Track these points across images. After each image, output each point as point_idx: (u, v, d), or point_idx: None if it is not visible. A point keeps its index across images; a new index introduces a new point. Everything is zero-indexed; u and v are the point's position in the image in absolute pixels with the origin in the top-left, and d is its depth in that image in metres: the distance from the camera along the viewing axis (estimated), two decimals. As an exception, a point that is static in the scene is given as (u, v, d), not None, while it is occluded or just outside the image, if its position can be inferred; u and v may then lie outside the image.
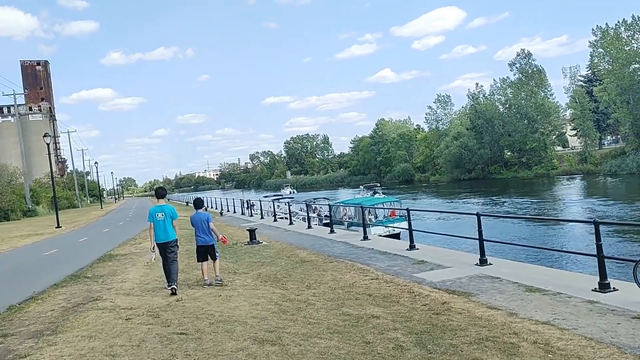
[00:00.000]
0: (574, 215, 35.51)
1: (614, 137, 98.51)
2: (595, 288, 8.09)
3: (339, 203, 36.96)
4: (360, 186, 79.88)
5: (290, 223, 25.37)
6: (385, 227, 28.51)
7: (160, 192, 10.47)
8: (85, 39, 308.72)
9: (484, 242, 11.08)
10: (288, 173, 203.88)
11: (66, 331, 6.58)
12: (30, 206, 65.04)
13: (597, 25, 74.16)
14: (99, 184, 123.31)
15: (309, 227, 22.63)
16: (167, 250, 9.63)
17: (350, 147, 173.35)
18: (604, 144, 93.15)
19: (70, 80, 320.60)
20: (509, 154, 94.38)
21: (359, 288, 9.90)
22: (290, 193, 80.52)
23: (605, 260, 8.18)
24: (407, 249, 13.88)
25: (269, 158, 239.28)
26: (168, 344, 5.94)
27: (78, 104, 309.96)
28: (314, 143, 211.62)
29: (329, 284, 10.41)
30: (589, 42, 75.78)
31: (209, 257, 10.39)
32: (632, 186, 54.18)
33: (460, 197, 61.30)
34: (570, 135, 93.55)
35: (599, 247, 8.09)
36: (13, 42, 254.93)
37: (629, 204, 36.94)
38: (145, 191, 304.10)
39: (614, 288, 7.99)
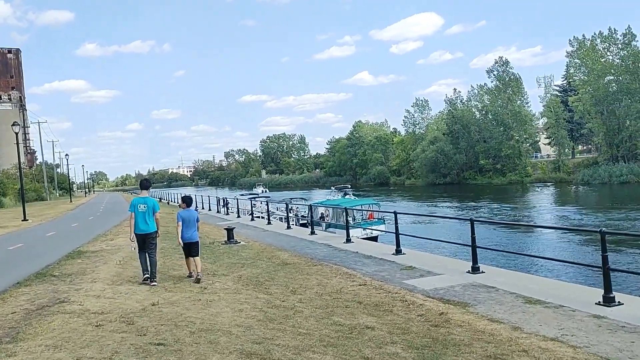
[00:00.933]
0: (550, 222, 35.64)
1: (585, 147, 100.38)
2: (600, 301, 7.68)
3: (318, 203, 36.44)
4: (332, 187, 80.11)
5: (269, 223, 24.70)
6: (364, 229, 28.11)
7: (144, 183, 10.45)
8: (59, 29, 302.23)
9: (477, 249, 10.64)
10: (263, 172, 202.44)
11: (28, 339, 5.85)
12: (-5, 197, 62.82)
13: (574, 37, 75.43)
14: (69, 177, 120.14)
15: (288, 227, 22.00)
16: (146, 241, 9.82)
17: (327, 148, 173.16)
18: (575, 154, 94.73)
19: (42, 70, 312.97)
20: (484, 160, 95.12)
21: (348, 294, 9.35)
22: (263, 192, 79.65)
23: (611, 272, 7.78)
24: (393, 254, 13.40)
25: (244, 156, 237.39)
26: (144, 356, 5.28)
27: (50, 94, 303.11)
28: (290, 143, 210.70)
29: (315, 289, 9.82)
30: (566, 52, 76.97)
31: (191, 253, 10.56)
32: (605, 195, 54.98)
33: (436, 201, 61.37)
34: (544, 144, 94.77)
35: (605, 259, 7.70)
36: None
37: (604, 213, 37.28)
38: (117, 186, 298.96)
39: (619, 302, 7.60)
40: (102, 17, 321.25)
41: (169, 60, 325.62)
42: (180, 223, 10.30)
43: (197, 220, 10.65)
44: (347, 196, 60.57)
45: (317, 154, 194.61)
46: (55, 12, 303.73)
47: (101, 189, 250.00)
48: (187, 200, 11.00)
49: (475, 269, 10.56)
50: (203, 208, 39.83)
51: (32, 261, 13.73)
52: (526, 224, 33.57)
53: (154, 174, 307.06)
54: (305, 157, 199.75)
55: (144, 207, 9.82)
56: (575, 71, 77.82)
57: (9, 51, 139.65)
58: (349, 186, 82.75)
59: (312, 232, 19.34)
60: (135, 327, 6.38)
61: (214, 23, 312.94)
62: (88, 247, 16.07)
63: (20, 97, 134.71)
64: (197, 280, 9.99)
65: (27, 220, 34.76)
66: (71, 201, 77.53)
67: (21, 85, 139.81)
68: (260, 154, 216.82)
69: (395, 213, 13.52)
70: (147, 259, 9.83)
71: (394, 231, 13.52)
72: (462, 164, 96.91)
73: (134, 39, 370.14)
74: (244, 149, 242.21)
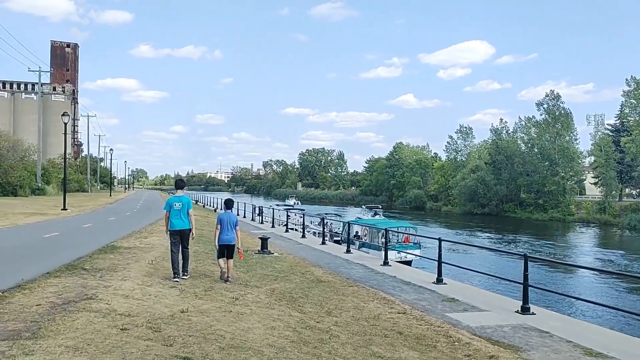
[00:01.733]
0: (595, 264, 33.96)
1: (634, 191, 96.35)
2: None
3: (354, 221, 35.79)
4: (363, 206, 79.84)
5: (303, 236, 24.20)
6: (399, 252, 27.29)
7: (179, 183, 10.97)
8: (118, 29, 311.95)
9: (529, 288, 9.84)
10: (299, 184, 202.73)
11: (49, 336, 5.46)
12: (39, 185, 64.41)
13: (631, 76, 72.80)
14: (111, 171, 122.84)
15: (323, 242, 21.44)
16: (183, 237, 10.35)
17: (365, 167, 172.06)
18: (622, 197, 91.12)
19: (97, 66, 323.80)
20: (525, 194, 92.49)
21: (386, 322, 8.72)
22: (295, 204, 79.64)
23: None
24: (433, 282, 12.68)
25: (281, 167, 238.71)
26: (169, 371, 4.81)
27: (102, 90, 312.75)
28: (329, 158, 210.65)
29: (352, 313, 9.23)
30: (622, 91, 74.38)
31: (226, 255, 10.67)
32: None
33: (474, 230, 59.80)
34: (591, 183, 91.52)
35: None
36: (47, 23, 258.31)
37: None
38: (156, 184, 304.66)
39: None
40: (159, 21, 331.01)
41: (219, 66, 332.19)
42: (219, 226, 10.57)
43: (236, 224, 10.78)
44: (376, 216, 60.24)
45: (354, 171, 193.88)
46: (116, 12, 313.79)
47: (140, 186, 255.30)
48: (228, 203, 11.31)
49: (525, 309, 9.76)
50: (238, 214, 39.71)
51: (65, 251, 13.58)
52: (580, 265, 31.34)
53: (192, 177, 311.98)
54: (343, 173, 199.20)
55: (179, 205, 10.34)
56: (631, 111, 75.10)
57: (68, 45, 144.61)
58: (380, 206, 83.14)
59: (348, 251, 18.74)
60: (162, 336, 5.92)
61: (267, 34, 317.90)
62: (122, 242, 15.89)
63: (73, 90, 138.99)
64: (226, 281, 10.47)
65: (67, 209, 35.29)
66: (111, 195, 79.03)
67: (75, 79, 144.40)
68: (298, 166, 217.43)
69: (439, 240, 12.81)
70: (183, 254, 10.38)
71: (436, 259, 12.80)
72: (502, 196, 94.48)
73: (187, 43, 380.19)
74: (282, 160, 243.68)
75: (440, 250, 12.75)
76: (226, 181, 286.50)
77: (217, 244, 10.58)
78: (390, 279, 13.34)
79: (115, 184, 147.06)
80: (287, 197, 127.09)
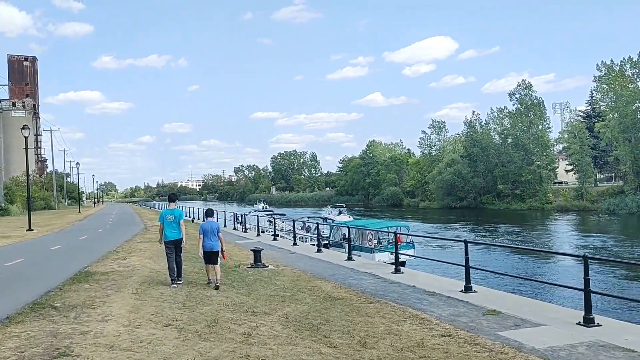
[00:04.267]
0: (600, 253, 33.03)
1: (604, 175, 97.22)
2: None
3: (341, 224, 34.17)
4: (328, 206, 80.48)
5: (294, 244, 22.47)
6: (392, 253, 25.81)
7: (172, 197, 12.02)
8: (78, 41, 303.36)
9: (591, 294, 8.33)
10: (273, 189, 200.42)
11: None
12: (2, 204, 61.05)
13: (602, 61, 73.02)
14: (78, 186, 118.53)
15: (319, 250, 19.72)
16: (177, 246, 11.25)
17: (339, 167, 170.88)
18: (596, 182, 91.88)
19: (58, 80, 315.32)
20: (502, 184, 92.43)
21: (436, 351, 7.09)
22: (263, 208, 78.02)
23: None
24: (461, 291, 11.12)
25: (254, 172, 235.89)
26: None
27: (65, 104, 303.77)
28: (302, 160, 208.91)
29: (389, 340, 7.58)
30: (594, 76, 74.56)
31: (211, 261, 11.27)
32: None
33: (456, 224, 58.88)
34: (565, 170, 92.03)
35: None
36: (4, 38, 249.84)
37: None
38: (126, 197, 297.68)
39: None
40: (121, 31, 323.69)
41: (184, 74, 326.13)
42: (201, 236, 11.24)
43: (219, 231, 11.44)
44: (341, 214, 59.68)
45: (328, 172, 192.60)
46: (75, 24, 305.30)
47: (110, 200, 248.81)
48: (209, 212, 11.93)
49: (588, 321, 8.25)
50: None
51: (30, 283, 11.57)
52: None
53: (162, 187, 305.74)
54: (317, 175, 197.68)
55: (172, 217, 11.28)
56: (603, 97, 75.48)
57: (26, 59, 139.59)
58: (344, 205, 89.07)
59: (350, 258, 17.08)
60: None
61: (231, 40, 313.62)
62: (97, 266, 13.90)
63: (34, 104, 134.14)
64: (216, 287, 10.89)
65: (33, 230, 32.74)
66: (80, 211, 75.66)
67: (36, 94, 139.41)
68: (271, 170, 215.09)
69: (465, 242, 11.26)
70: (177, 261, 11.27)
71: (464, 264, 11.24)
72: (479, 188, 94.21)
73: (151, 53, 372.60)
74: (254, 165, 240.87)
75: (466, 255, 11.19)
76: (198, 189, 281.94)
77: (201, 251, 11.17)
78: (411, 290, 11.73)
79: (83, 199, 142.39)
80: (255, 202, 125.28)
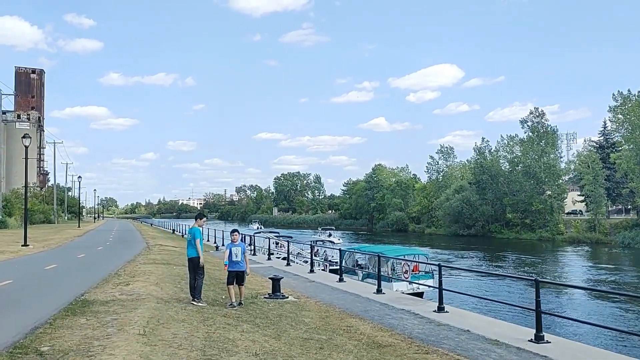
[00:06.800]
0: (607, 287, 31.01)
1: (615, 207, 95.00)
2: None
3: (354, 249, 32.30)
4: (319, 228, 79.98)
5: (311, 271, 20.56)
6: (410, 283, 23.93)
7: (196, 216, 12.08)
8: (87, 57, 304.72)
9: None
10: (275, 209, 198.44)
11: None
12: (0, 217, 59.23)
13: (618, 91, 71.80)
14: (79, 200, 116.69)
15: (341, 279, 17.82)
16: (194, 265, 11.51)
17: (343, 190, 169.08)
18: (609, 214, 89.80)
19: (65, 94, 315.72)
20: (511, 213, 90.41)
21: None
22: (259, 229, 76.51)
23: None
24: (530, 340, 9.22)
25: (255, 192, 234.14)
26: None
27: (70, 119, 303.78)
28: (305, 182, 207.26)
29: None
30: (609, 106, 73.20)
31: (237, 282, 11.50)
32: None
33: (467, 252, 56.81)
34: (578, 201, 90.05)
35: None
36: (15, 52, 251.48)
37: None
38: (126, 213, 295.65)
39: None
40: (130, 48, 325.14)
41: (190, 93, 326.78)
42: (227, 251, 11.51)
43: (244, 252, 11.66)
44: (330, 237, 58.29)
45: (331, 194, 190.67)
46: (85, 40, 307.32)
47: (110, 216, 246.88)
48: (234, 233, 11.98)
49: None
50: (223, 244, 35.74)
51: (15, 314, 9.72)
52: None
53: (164, 204, 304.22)
54: (320, 197, 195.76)
55: (189, 236, 11.78)
56: (618, 127, 74.01)
57: (33, 71, 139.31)
58: (333, 227, 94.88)
59: (379, 291, 15.20)
60: None
61: (238, 60, 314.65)
62: (96, 293, 12.06)
63: (39, 117, 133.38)
64: (239, 304, 11.36)
65: (28, 245, 30.90)
66: (79, 226, 73.75)
67: (42, 106, 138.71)
68: (274, 191, 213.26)
69: (536, 281, 9.43)
70: (196, 281, 11.49)
71: (534, 307, 9.37)
72: (488, 216, 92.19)
73: (159, 70, 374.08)
74: (256, 185, 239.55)
75: (537, 297, 9.32)
76: (199, 208, 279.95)
77: (227, 269, 11.40)
78: (467, 336, 9.86)
79: (84, 213, 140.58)
80: (250, 222, 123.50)
